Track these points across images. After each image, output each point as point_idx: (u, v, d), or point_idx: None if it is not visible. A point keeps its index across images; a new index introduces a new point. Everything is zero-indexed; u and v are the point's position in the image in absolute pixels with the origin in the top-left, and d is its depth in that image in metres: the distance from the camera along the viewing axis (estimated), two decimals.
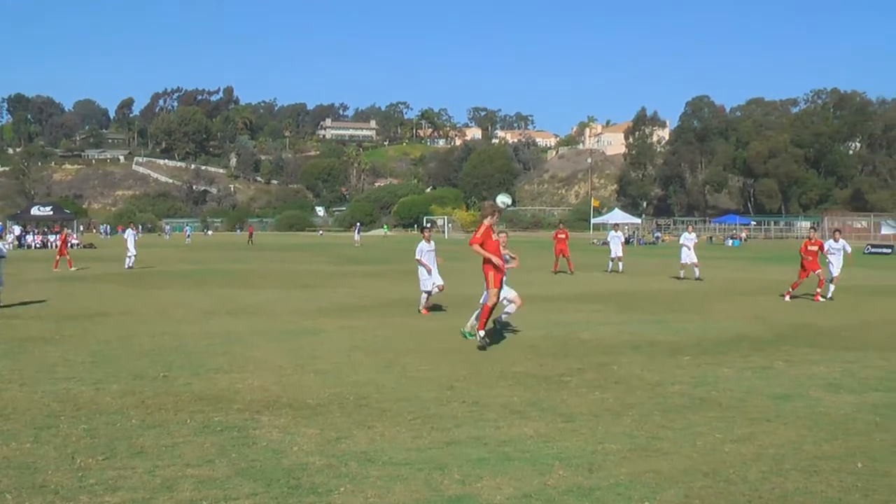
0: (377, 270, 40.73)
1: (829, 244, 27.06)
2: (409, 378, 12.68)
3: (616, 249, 38.86)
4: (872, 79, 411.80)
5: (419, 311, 21.50)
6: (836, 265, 26.40)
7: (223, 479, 7.67)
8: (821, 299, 25.01)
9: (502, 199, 16.53)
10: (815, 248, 26.01)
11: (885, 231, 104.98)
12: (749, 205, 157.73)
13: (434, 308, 22.12)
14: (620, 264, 38.50)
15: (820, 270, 25.55)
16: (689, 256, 33.44)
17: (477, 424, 9.78)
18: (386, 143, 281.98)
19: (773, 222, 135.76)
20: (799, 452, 8.65)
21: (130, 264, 40.70)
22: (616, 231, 41.48)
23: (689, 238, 34.09)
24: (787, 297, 25.47)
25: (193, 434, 9.26)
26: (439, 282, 21.60)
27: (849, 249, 27.00)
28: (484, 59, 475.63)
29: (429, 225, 30.39)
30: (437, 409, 10.54)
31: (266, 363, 13.84)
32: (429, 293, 21.72)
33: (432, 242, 21.97)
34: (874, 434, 9.39)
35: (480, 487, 7.56)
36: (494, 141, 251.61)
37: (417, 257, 21.67)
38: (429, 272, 21.45)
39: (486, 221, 16.35)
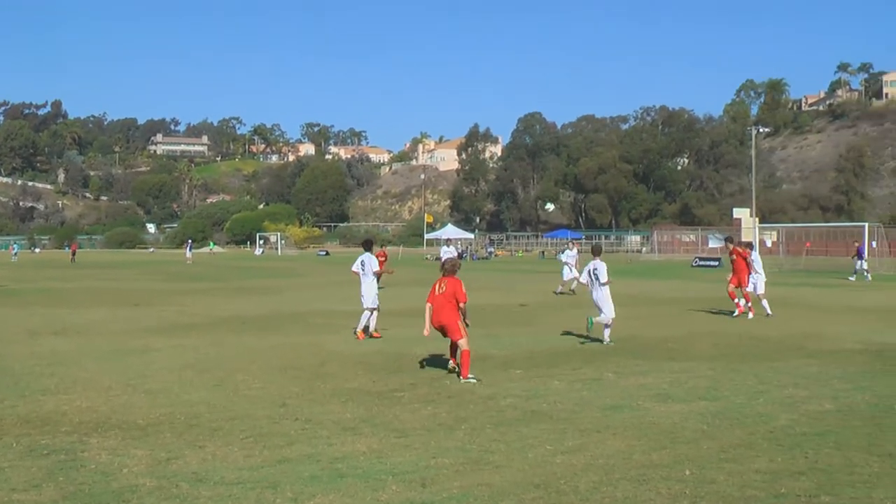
0: (208, 288, 40.00)
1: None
2: (241, 396, 12.54)
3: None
4: (699, 97, 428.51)
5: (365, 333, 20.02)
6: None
7: None
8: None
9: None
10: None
11: (712, 244, 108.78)
12: (580, 219, 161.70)
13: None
14: None
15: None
16: (571, 273, 33.65)
17: (310, 442, 9.73)
18: (218, 158, 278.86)
19: (603, 237, 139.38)
20: (628, 462, 8.85)
21: None
22: (448, 246, 41.75)
23: (570, 255, 34.53)
24: (752, 314, 24.96)
25: (19, 458, 8.95)
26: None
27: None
28: (317, 75, 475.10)
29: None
30: (269, 427, 10.46)
31: (94, 384, 13.47)
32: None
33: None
34: (701, 442, 9.69)
35: None
36: (328, 157, 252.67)
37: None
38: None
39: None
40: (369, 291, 20.09)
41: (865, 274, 47.94)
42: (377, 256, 33.62)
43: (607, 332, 18.59)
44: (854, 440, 9.73)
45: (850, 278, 46.36)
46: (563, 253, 33.97)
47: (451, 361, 15.09)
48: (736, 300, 25.40)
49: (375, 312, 20.04)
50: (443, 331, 14.76)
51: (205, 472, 8.46)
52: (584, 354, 16.93)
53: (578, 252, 36.30)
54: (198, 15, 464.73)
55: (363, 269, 20.48)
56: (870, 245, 57.84)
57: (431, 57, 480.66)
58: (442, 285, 14.91)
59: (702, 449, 9.37)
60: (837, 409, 11.46)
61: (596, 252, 19.56)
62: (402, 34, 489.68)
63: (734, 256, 25.50)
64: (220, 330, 21.56)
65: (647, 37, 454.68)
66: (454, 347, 14.77)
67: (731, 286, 25.43)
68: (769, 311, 24.93)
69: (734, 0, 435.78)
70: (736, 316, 24.75)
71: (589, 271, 19.18)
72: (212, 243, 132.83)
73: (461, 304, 14.70)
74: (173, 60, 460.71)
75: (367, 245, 21.66)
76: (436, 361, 15.92)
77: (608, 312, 18.72)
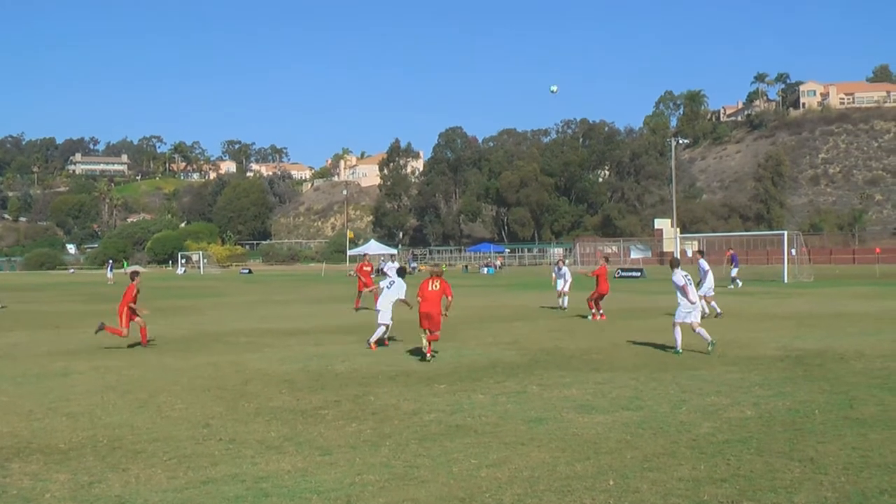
0: None
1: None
2: (164, 417, 12.43)
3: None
4: (619, 109, 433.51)
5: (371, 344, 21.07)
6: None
7: None
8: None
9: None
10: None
11: (634, 255, 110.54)
12: (503, 233, 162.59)
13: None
14: None
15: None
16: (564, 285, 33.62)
17: (234, 462, 9.70)
18: (138, 177, 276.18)
19: (526, 249, 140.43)
20: (553, 473, 8.92)
21: None
22: (393, 262, 41.57)
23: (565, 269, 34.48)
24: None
25: None
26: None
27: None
28: (237, 92, 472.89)
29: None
30: (192, 448, 10.39)
31: (14, 408, 13.26)
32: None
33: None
34: (625, 452, 9.79)
35: None
36: (249, 174, 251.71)
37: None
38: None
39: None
40: (386, 309, 21.14)
41: (736, 282, 48.61)
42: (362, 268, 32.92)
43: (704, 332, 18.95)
44: (775, 446, 9.92)
45: (730, 286, 46.96)
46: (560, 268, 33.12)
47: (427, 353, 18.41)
48: (593, 310, 27.95)
49: (387, 327, 21.34)
50: (428, 318, 18.62)
51: (128, 496, 8.39)
52: (508, 367, 17.00)
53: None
54: (115, 33, 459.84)
55: (389, 288, 21.53)
56: (789, 253, 58.98)
57: (352, 72, 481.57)
58: (434, 284, 19.08)
59: (625, 459, 9.47)
60: (758, 416, 11.67)
61: (674, 265, 19.60)
62: (322, 50, 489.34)
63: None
64: (142, 351, 21.27)
65: (567, 49, 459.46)
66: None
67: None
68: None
69: (651, 12, 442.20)
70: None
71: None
72: (125, 263, 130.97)
73: (449, 298, 19.16)
74: (92, 79, 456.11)
75: (401, 272, 22.62)
76: (358, 378, 15.90)
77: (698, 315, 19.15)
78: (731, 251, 54.87)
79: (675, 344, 18.82)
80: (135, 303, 21.91)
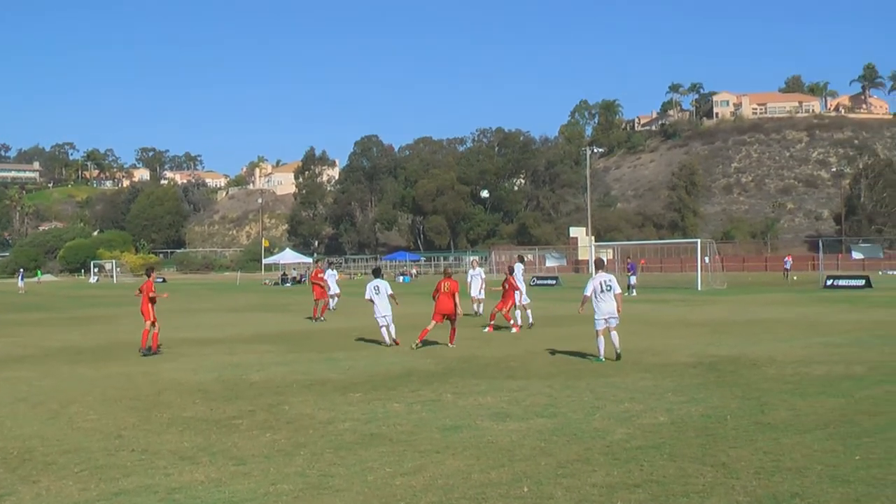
0: (42, 318, 38.63)
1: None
2: (76, 429, 12.25)
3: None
4: (534, 119, 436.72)
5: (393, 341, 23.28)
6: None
7: None
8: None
9: None
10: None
11: (549, 263, 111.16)
12: (419, 241, 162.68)
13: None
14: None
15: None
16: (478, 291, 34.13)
17: (146, 472, 9.60)
18: (50, 185, 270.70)
19: (442, 258, 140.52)
20: (468, 481, 8.95)
21: None
22: (332, 270, 41.16)
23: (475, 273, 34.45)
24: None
25: None
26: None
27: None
28: (151, 99, 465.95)
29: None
30: (105, 460, 10.27)
31: None
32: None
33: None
34: (539, 458, 9.85)
35: None
36: (163, 182, 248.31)
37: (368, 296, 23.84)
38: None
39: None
40: (386, 308, 23.36)
41: (632, 290, 49.73)
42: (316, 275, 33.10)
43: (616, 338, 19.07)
44: (688, 451, 10.06)
45: (627, 294, 47.85)
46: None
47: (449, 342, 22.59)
48: (511, 321, 27.72)
49: (392, 326, 23.58)
50: (445, 312, 22.78)
51: None
52: (423, 376, 17.02)
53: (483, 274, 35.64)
54: (26, 39, 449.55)
55: (378, 293, 23.55)
56: (703, 261, 59.90)
57: (267, 80, 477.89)
58: (446, 285, 22.96)
59: (539, 465, 9.53)
60: (671, 422, 11.82)
61: (600, 266, 19.92)
62: (237, 57, 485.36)
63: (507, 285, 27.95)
64: (53, 361, 20.95)
65: (482, 57, 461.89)
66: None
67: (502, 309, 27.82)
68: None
69: (565, 22, 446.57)
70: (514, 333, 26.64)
71: (600, 283, 18.93)
72: (38, 272, 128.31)
73: (456, 295, 22.77)
74: (2, 85, 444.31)
75: (377, 272, 24.96)
76: (273, 387, 15.79)
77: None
78: (630, 261, 56.08)
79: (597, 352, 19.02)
80: (153, 296, 22.18)
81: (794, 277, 71.26)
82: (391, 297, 23.66)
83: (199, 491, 8.85)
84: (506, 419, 12.24)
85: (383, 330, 23.41)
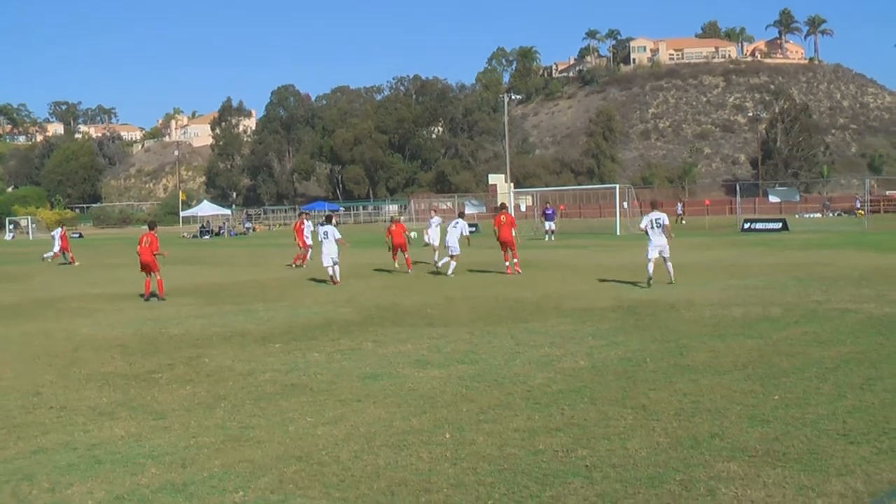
0: None
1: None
2: None
3: None
4: (451, 66, 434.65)
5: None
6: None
7: None
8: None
9: None
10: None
11: (468, 211, 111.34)
12: (338, 191, 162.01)
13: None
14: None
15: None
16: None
17: (65, 430, 9.51)
18: None
19: (362, 207, 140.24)
20: (389, 429, 8.96)
21: None
22: (309, 222, 40.17)
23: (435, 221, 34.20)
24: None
25: None
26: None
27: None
28: (62, 50, 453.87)
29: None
30: (22, 418, 10.17)
31: None
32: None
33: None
34: (461, 405, 9.90)
35: (71, 494, 7.40)
36: (77, 136, 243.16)
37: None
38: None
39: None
40: (334, 252, 26.35)
41: (547, 235, 51.93)
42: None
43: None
44: (608, 394, 10.17)
45: (545, 239, 50.52)
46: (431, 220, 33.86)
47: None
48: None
49: (337, 266, 26.66)
50: (505, 244, 27.69)
51: None
52: (343, 325, 16.99)
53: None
54: None
55: (326, 237, 26.50)
56: (621, 206, 60.47)
57: (180, 30, 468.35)
58: (503, 217, 28.05)
59: (461, 412, 9.58)
60: (592, 366, 11.94)
61: (655, 206, 23.69)
62: (150, 5, 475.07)
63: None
64: None
65: (398, 3, 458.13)
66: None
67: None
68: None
69: None
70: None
71: (651, 221, 22.50)
72: None
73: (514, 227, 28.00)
74: None
75: (329, 219, 28.49)
76: (192, 340, 15.66)
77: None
78: (549, 206, 56.87)
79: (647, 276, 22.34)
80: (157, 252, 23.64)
81: (684, 222, 72.30)
82: (339, 241, 26.55)
83: (118, 446, 8.77)
84: (426, 366, 12.27)
85: (328, 270, 26.53)
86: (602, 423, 8.89)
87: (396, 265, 30.72)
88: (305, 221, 37.08)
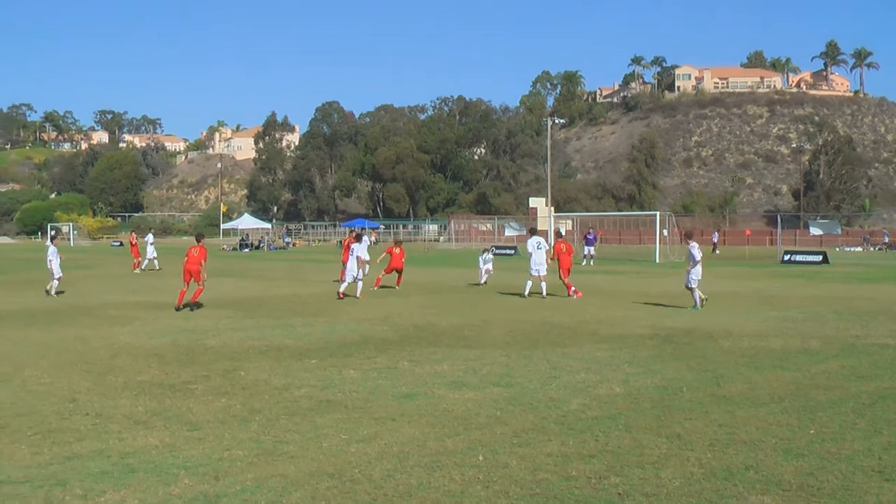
0: None
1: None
2: (29, 392, 12.16)
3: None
4: (496, 88, 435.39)
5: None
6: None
7: None
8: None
9: None
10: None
11: (508, 233, 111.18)
12: (378, 209, 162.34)
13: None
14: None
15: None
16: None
17: (100, 437, 9.54)
18: (7, 146, 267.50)
19: (401, 226, 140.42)
20: (422, 449, 8.95)
21: None
22: (366, 237, 41.05)
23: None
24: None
25: None
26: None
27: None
28: (110, 60, 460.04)
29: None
30: (58, 423, 10.19)
31: None
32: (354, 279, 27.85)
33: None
34: (495, 427, 9.87)
35: (103, 502, 7.43)
36: (122, 145, 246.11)
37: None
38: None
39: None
40: (353, 268, 27.69)
41: (585, 260, 51.88)
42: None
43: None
44: (643, 422, 10.11)
45: (583, 263, 50.19)
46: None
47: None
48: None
49: (360, 283, 27.93)
50: (566, 272, 28.47)
51: None
52: (379, 343, 17.00)
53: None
54: None
55: (352, 253, 27.96)
56: (661, 234, 60.19)
57: (228, 43, 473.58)
58: (562, 246, 28.81)
59: (495, 434, 9.55)
60: (627, 393, 11.88)
61: (689, 236, 25.41)
62: (198, 19, 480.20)
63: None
64: (6, 324, 20.73)
65: (444, 28, 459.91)
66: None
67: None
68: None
69: None
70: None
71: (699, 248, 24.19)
72: None
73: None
74: None
75: (359, 237, 30.40)
76: (229, 353, 15.72)
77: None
78: (591, 230, 56.80)
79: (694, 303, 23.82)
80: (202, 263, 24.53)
81: (717, 252, 71.90)
82: (360, 260, 27.96)
83: (152, 455, 8.79)
84: (462, 388, 12.25)
85: (359, 284, 27.79)
86: (636, 451, 8.84)
87: (374, 287, 30.79)
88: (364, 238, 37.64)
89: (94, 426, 10.08)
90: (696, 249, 24.01)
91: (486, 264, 34.11)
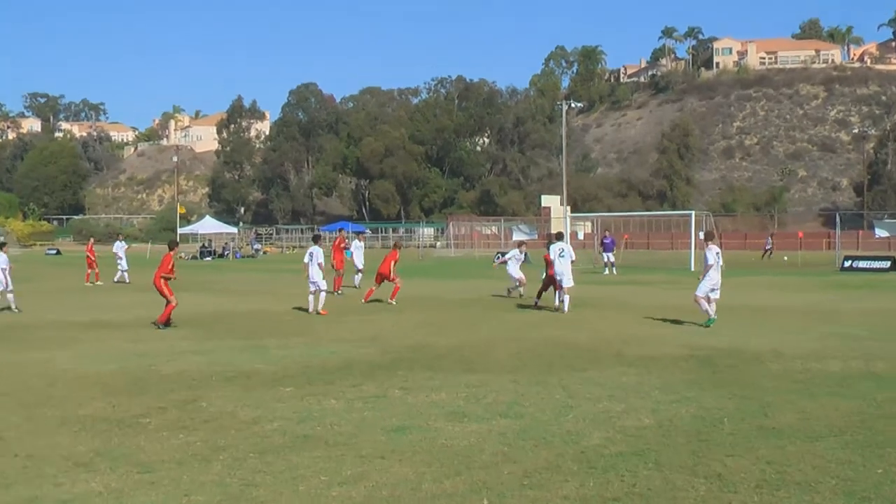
0: None
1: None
2: None
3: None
4: (501, 67, 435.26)
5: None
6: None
7: None
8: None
9: None
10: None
11: (516, 237, 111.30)
12: (364, 210, 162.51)
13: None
14: None
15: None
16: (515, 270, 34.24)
17: (32, 482, 9.54)
18: None
19: (391, 229, 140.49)
20: (417, 492, 8.99)
21: None
22: (359, 241, 41.56)
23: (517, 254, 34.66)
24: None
25: None
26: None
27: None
28: (42, 38, 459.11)
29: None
30: None
31: None
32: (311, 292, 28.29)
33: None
34: (501, 466, 9.90)
35: None
36: (58, 135, 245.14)
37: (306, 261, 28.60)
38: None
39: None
40: (317, 276, 28.04)
41: (607, 268, 52.70)
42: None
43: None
44: (677, 460, 10.13)
45: (605, 272, 51.29)
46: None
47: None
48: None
49: (324, 293, 28.33)
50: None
51: None
52: (366, 368, 17.02)
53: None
54: None
55: (311, 259, 28.31)
56: (697, 236, 60.17)
57: (184, 14, 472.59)
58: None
59: (502, 474, 9.57)
60: (658, 425, 11.90)
61: (710, 238, 25.49)
62: None
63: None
64: None
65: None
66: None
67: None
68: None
69: None
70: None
71: (718, 253, 24.20)
72: None
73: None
74: None
75: (316, 239, 30.94)
76: (188, 380, 15.73)
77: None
78: (608, 235, 56.73)
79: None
80: (171, 273, 25.01)
81: (771, 257, 72.12)
82: (320, 265, 28.41)
83: (95, 503, 8.80)
84: (463, 419, 12.28)
85: (311, 297, 28.24)
86: (668, 494, 8.86)
87: (364, 301, 31.48)
88: (354, 241, 38.01)
89: (26, 470, 10.07)
90: (711, 253, 23.90)
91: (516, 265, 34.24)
